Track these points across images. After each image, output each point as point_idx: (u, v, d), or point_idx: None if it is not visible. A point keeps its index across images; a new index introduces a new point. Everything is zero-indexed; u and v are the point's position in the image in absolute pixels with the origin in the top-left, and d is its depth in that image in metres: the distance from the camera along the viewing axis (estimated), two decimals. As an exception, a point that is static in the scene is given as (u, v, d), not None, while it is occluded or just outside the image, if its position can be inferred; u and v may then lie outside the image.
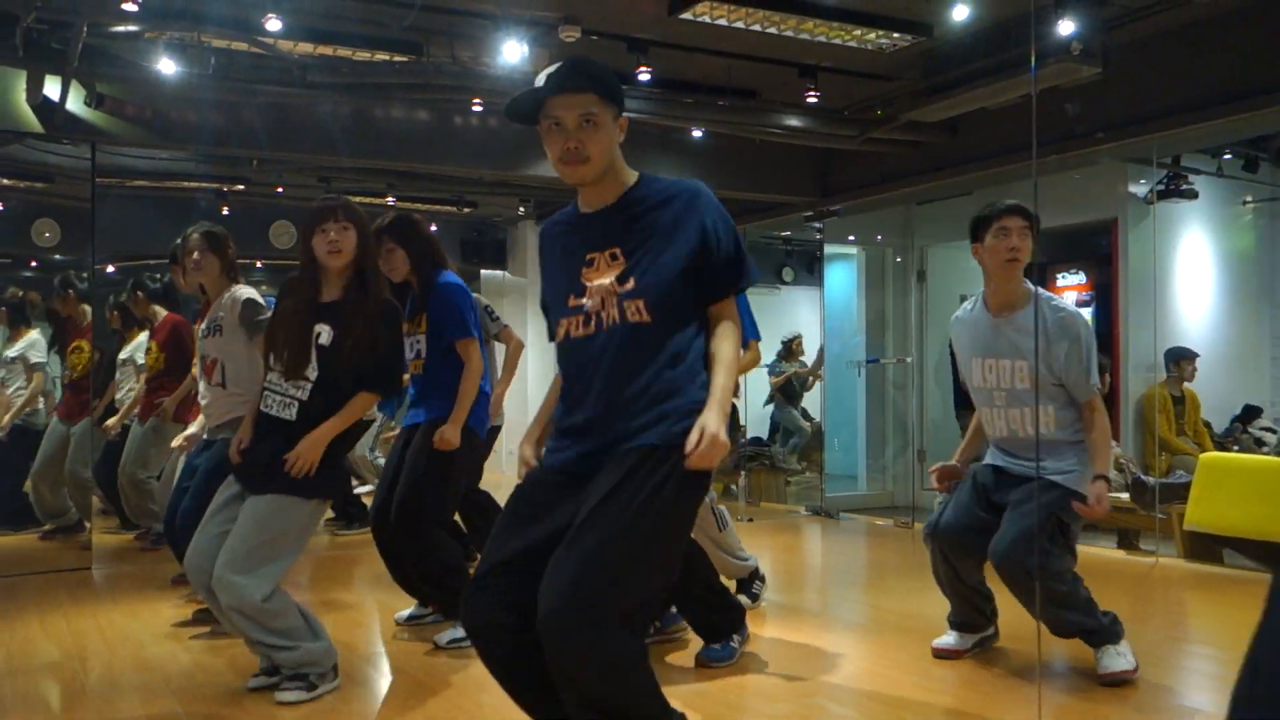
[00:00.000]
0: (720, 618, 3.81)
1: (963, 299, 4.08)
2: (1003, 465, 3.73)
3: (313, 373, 3.34)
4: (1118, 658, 3.52)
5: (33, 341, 6.92)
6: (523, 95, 2.36)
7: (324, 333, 3.35)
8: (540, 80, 2.33)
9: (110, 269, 9.81)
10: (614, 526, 2.19)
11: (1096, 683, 3.46)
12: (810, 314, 10.12)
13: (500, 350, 5.38)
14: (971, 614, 3.90)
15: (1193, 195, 7.80)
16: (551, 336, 2.52)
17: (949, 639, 3.92)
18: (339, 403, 3.36)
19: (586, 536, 2.19)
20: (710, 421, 2.23)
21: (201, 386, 4.24)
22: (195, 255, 4.23)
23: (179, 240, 4.43)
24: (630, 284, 2.38)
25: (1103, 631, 3.53)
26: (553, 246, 2.57)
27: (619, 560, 2.18)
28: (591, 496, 2.26)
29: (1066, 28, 5.61)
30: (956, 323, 3.88)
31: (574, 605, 2.12)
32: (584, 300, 2.41)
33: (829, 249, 9.37)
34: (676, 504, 2.28)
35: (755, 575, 4.71)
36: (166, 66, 5.82)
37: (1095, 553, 6.38)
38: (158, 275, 6.55)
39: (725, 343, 2.42)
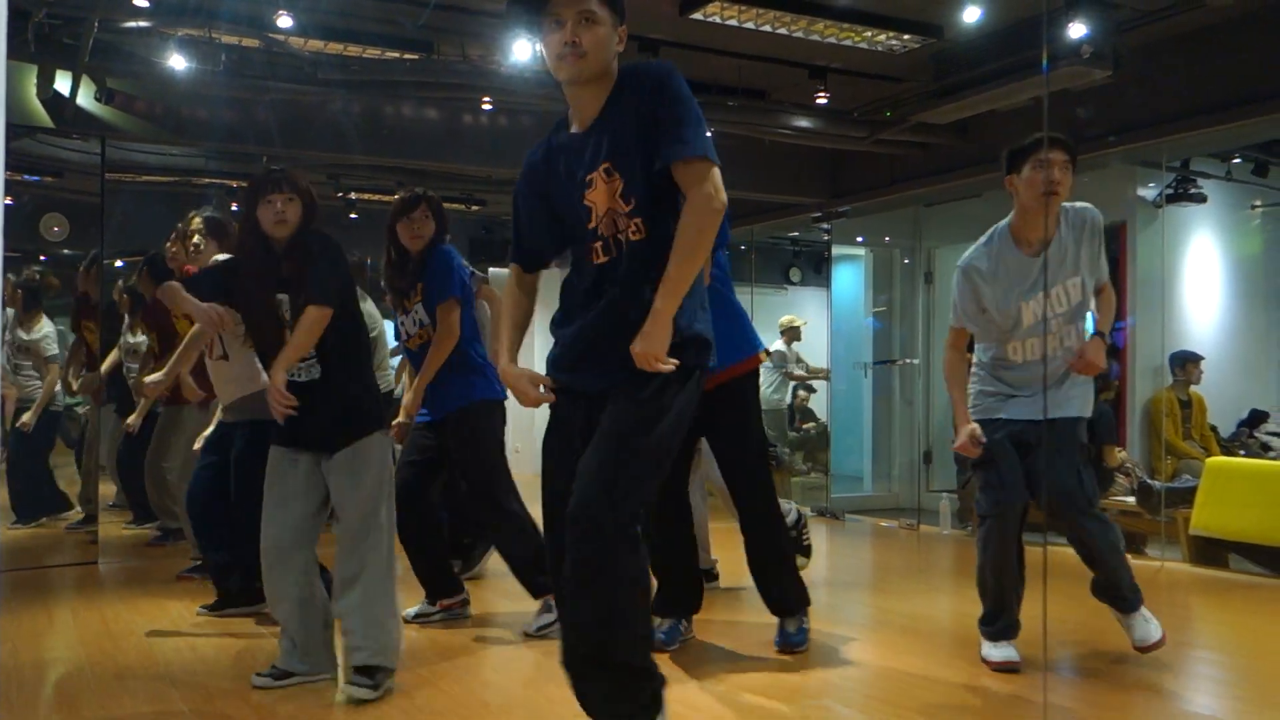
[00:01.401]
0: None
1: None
2: (1024, 415, 3.58)
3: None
4: (1148, 625, 3.57)
5: (47, 333, 6.93)
6: None
7: (284, 303, 3.34)
8: None
9: (119, 263, 9.81)
10: (619, 436, 2.40)
11: (1104, 685, 3.46)
12: (817, 315, 10.11)
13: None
14: (1013, 609, 3.68)
15: (1202, 199, 7.79)
16: (533, 266, 2.70)
17: (1009, 651, 3.63)
18: (349, 338, 3.39)
19: (602, 445, 2.41)
20: (641, 340, 2.34)
21: (209, 365, 4.27)
22: (195, 239, 4.26)
23: (180, 224, 4.50)
24: (633, 203, 2.44)
25: (1137, 592, 3.54)
26: (540, 176, 2.58)
27: (628, 459, 2.38)
28: (605, 418, 2.44)
29: (1078, 30, 5.61)
30: (973, 272, 3.61)
31: (596, 493, 2.33)
32: (594, 225, 2.48)
33: (836, 250, 9.37)
34: (663, 412, 2.42)
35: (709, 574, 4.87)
36: (177, 62, 5.83)
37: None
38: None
39: (685, 220, 2.38)
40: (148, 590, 5.13)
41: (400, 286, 4.23)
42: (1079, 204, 3.62)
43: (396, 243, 4.19)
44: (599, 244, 2.48)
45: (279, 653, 3.49)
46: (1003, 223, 3.66)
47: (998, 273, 3.58)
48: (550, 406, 2.61)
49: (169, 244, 4.93)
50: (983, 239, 3.67)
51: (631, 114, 2.43)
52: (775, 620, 3.98)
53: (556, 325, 2.62)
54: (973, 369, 3.76)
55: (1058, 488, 3.48)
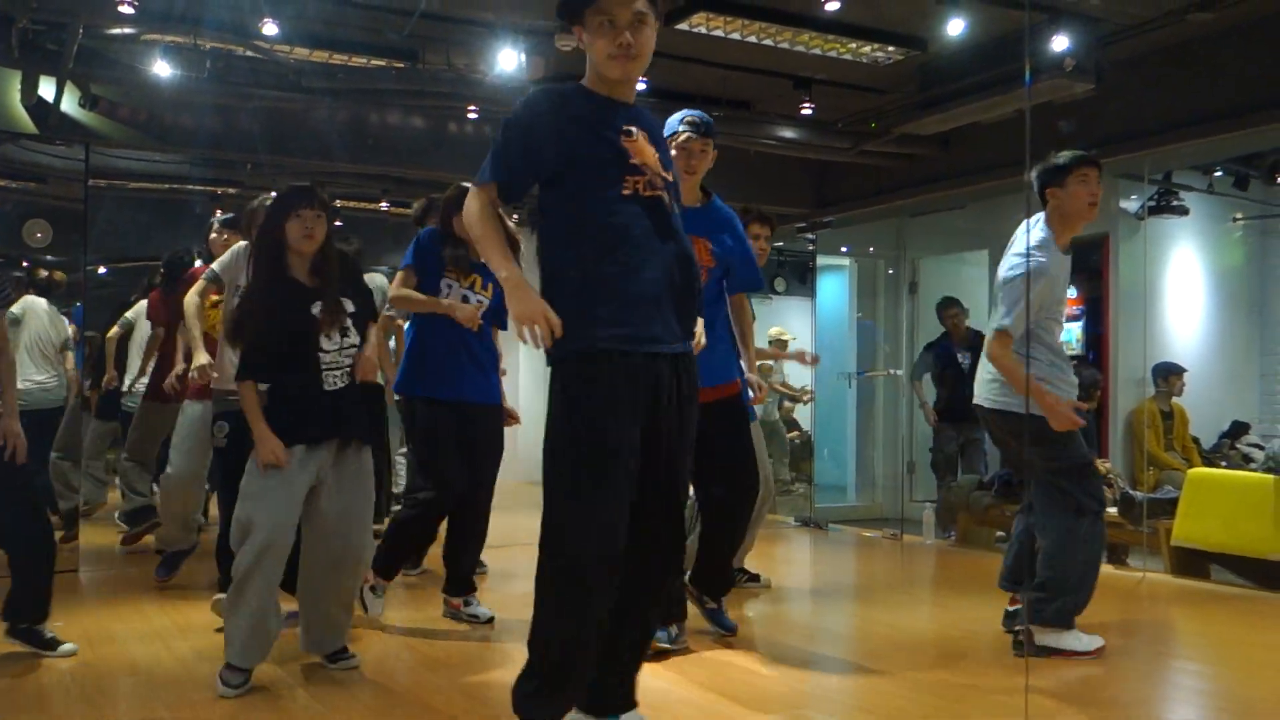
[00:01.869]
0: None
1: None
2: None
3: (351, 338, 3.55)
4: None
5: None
6: None
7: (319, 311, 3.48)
8: None
9: (102, 270, 9.77)
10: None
11: (1085, 697, 3.48)
12: (802, 324, 10.14)
13: None
14: None
15: (1184, 212, 7.84)
16: (513, 196, 2.68)
17: (1098, 639, 3.96)
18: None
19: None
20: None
21: (222, 351, 4.27)
22: (226, 237, 4.71)
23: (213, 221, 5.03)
24: (671, 175, 2.65)
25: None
26: (568, 115, 2.59)
27: None
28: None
29: (1060, 44, 5.66)
30: (1051, 265, 3.88)
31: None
32: (636, 163, 2.56)
33: (821, 260, 9.40)
34: None
35: None
36: (162, 69, 5.82)
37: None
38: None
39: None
40: (129, 598, 5.10)
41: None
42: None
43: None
44: (642, 180, 2.56)
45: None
46: (1041, 228, 3.96)
47: (1058, 271, 3.94)
48: (609, 369, 2.50)
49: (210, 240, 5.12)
50: (1034, 243, 3.91)
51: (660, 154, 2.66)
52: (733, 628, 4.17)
53: (619, 269, 2.52)
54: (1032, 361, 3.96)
55: None
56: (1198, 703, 3.64)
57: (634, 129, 2.59)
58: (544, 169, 2.63)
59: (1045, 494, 3.95)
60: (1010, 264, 3.95)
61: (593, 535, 2.46)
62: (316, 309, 3.47)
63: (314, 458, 3.46)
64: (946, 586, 5.89)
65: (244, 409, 3.45)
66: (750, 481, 4.01)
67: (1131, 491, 6.35)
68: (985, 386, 4.02)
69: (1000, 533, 7.22)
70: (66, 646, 3.91)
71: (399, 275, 4.37)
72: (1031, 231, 3.93)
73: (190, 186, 9.00)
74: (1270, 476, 5.57)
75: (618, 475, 2.46)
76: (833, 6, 5.24)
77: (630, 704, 2.72)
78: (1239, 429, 8.00)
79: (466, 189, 4.12)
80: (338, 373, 3.51)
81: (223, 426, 4.22)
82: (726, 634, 4.14)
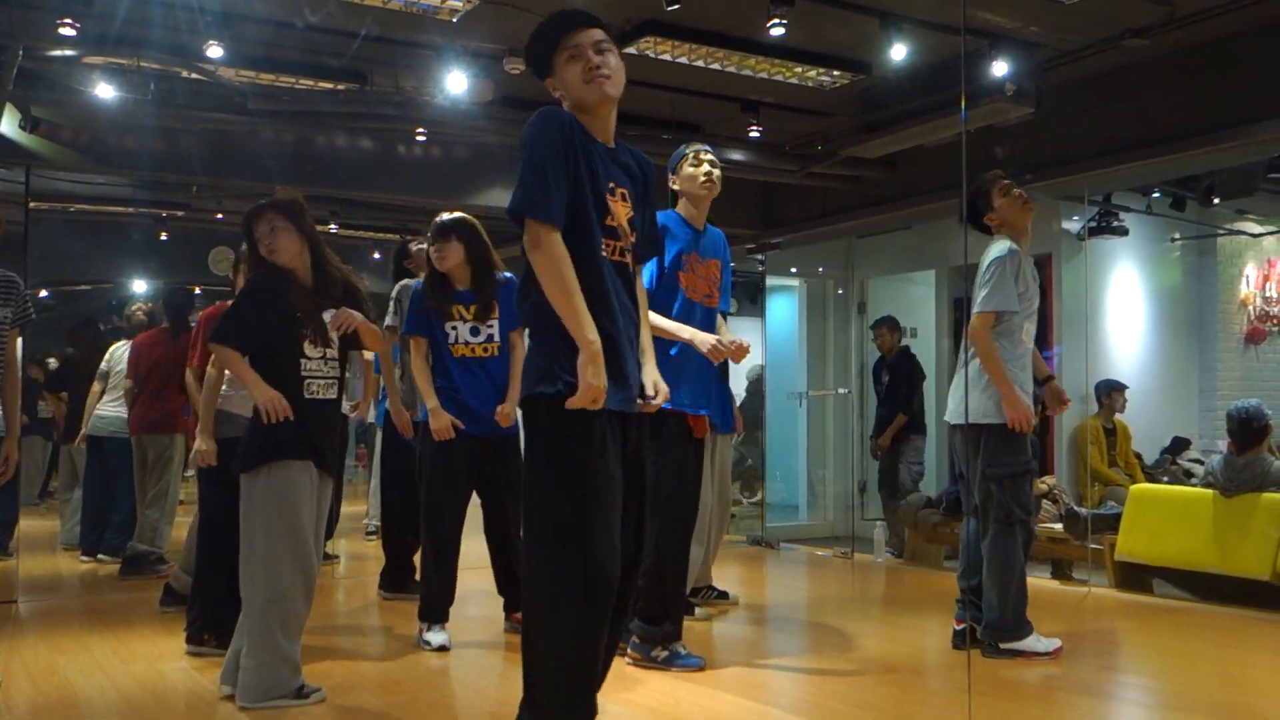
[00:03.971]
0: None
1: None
2: None
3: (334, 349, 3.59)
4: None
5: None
6: (539, 33, 2.67)
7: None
8: (547, 25, 2.67)
9: (44, 294, 9.59)
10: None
11: (1030, 708, 3.51)
12: (752, 345, 10.19)
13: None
14: None
15: (1123, 232, 8.00)
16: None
17: (1056, 641, 4.27)
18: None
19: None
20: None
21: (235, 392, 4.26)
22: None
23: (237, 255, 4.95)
24: (635, 237, 2.74)
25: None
26: (579, 149, 2.63)
27: None
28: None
29: (1000, 69, 5.76)
30: (1013, 259, 4.20)
31: None
32: (613, 224, 2.67)
33: (771, 280, 9.46)
34: None
35: None
36: (104, 91, 5.75)
37: (1029, 582, 6.46)
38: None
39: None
40: (69, 628, 5.00)
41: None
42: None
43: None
44: (615, 244, 2.67)
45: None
46: (1005, 241, 4.28)
47: (1026, 265, 4.24)
48: (588, 425, 2.51)
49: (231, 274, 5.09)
50: (1001, 239, 4.29)
51: (639, 189, 2.81)
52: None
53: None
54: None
55: None
56: (1141, 716, 3.69)
57: (615, 185, 2.71)
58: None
59: (982, 503, 4.17)
60: (992, 254, 4.23)
61: (595, 562, 2.50)
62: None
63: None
64: (898, 604, 5.93)
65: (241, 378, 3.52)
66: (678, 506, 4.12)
67: (1076, 507, 6.45)
68: (955, 404, 4.25)
69: (948, 549, 7.30)
70: None
71: (412, 343, 4.52)
72: (995, 243, 4.29)
73: (133, 210, 8.88)
74: (1210, 491, 5.69)
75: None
76: (778, 31, 5.29)
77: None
78: (1180, 445, 8.15)
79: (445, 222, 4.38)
80: (321, 383, 3.54)
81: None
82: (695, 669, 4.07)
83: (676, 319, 3.98)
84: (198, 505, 4.39)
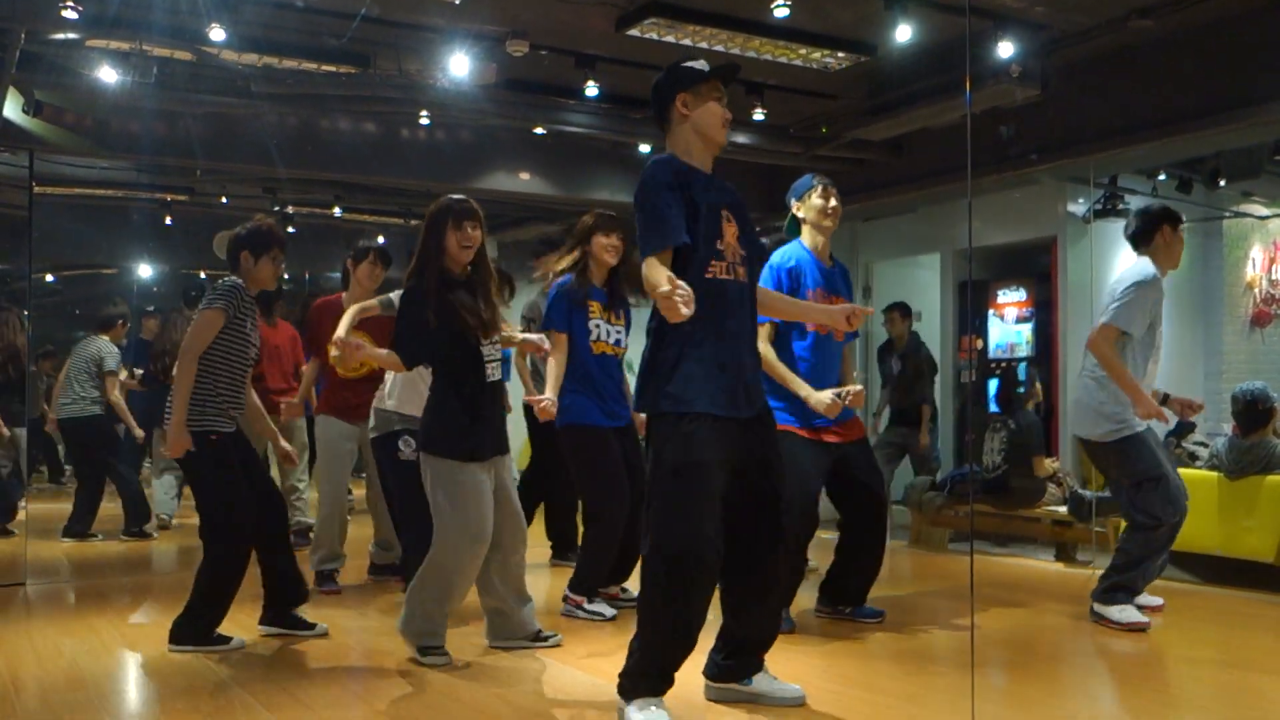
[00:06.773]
0: None
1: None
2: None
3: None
4: None
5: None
6: (707, 70, 3.15)
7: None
8: (705, 66, 3.15)
9: (49, 278, 9.63)
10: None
11: (1033, 689, 3.52)
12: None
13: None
14: None
15: (1129, 215, 7.95)
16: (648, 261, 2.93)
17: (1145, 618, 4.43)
18: None
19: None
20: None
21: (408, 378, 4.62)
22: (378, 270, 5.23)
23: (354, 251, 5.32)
24: (744, 252, 3.14)
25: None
26: (689, 185, 3.04)
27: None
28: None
29: (1006, 50, 5.73)
30: (1154, 287, 4.43)
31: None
32: (722, 247, 3.06)
33: (775, 264, 9.43)
34: None
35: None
36: (107, 75, 5.74)
37: (1033, 565, 6.49)
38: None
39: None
40: (77, 610, 5.03)
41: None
42: None
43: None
44: (721, 264, 3.05)
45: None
46: (1151, 267, 4.53)
47: (1159, 294, 4.44)
48: (698, 434, 2.97)
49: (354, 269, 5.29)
50: (1147, 262, 4.54)
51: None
52: None
53: (694, 344, 2.99)
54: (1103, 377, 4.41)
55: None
56: (1144, 695, 3.70)
57: (725, 210, 3.13)
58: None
59: (1126, 502, 4.48)
60: (1134, 274, 4.46)
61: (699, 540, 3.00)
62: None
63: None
64: (900, 586, 5.93)
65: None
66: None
67: (1081, 490, 6.44)
68: (1088, 421, 4.50)
69: (952, 532, 7.31)
70: None
71: (558, 339, 4.67)
72: (1141, 264, 4.52)
73: (137, 193, 8.89)
74: (1215, 474, 5.68)
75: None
76: (782, 13, 5.26)
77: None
78: (1185, 428, 8.11)
79: (604, 215, 4.72)
80: (492, 367, 3.91)
81: (409, 441, 4.58)
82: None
83: (810, 353, 4.27)
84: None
